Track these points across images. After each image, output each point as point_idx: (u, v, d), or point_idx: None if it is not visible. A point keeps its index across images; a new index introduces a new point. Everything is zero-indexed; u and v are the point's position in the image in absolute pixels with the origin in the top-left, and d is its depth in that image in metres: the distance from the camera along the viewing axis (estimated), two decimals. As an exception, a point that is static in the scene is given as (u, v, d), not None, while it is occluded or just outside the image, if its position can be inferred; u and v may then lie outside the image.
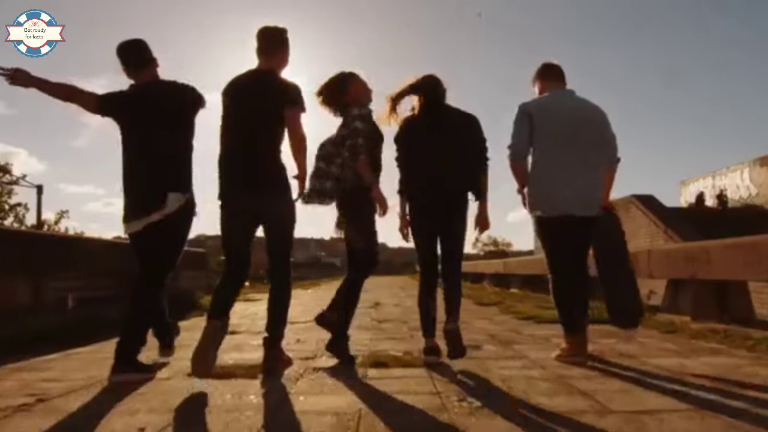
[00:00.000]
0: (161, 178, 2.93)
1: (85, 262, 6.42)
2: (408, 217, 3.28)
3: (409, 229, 3.28)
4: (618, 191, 17.16)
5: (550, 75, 3.34)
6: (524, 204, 3.25)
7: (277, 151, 2.94)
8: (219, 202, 2.99)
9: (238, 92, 2.96)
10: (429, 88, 3.23)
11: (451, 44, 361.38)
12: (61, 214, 17.94)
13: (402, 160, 3.31)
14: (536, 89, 3.41)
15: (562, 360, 3.18)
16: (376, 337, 4.31)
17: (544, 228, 3.23)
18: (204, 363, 2.70)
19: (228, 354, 3.51)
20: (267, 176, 2.90)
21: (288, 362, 3.08)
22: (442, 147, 3.12)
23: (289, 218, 2.99)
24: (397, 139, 3.30)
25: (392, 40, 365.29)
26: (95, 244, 7.93)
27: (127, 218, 3.01)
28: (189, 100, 3.08)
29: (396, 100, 3.28)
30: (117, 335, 2.95)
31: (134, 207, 2.98)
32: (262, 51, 3.00)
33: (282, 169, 2.95)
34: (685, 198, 21.03)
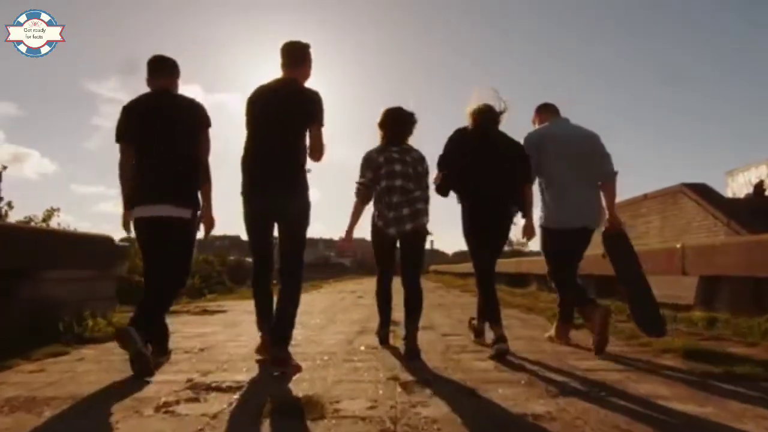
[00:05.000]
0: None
1: None
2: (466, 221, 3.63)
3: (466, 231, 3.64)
4: (661, 181, 15.30)
5: (547, 110, 3.91)
6: (524, 233, 3.66)
7: (299, 154, 3.10)
8: (241, 199, 3.14)
9: (263, 99, 3.15)
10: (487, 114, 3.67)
11: (450, 40, 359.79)
12: (51, 212, 16.00)
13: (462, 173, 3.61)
14: (536, 125, 3.94)
15: (556, 341, 3.75)
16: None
17: (552, 239, 3.67)
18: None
19: None
20: (286, 177, 3.04)
21: (297, 368, 2.90)
22: (494, 161, 3.55)
23: (302, 219, 3.10)
24: (457, 153, 3.62)
25: (393, 40, 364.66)
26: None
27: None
28: None
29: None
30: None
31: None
32: (286, 64, 3.19)
33: (302, 171, 3.11)
34: (732, 189, 18.96)
